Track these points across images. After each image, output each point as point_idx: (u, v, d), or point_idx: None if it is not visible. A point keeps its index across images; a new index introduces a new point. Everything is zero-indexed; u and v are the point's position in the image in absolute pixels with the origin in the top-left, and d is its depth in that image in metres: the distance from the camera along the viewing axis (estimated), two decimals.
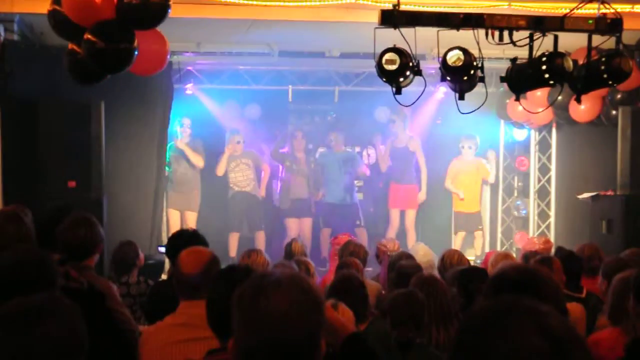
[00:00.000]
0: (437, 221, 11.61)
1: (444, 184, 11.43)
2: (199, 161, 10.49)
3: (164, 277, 7.70)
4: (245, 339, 1.99)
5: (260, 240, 10.73)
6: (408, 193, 11.31)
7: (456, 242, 11.24)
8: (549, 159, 11.60)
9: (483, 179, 11.38)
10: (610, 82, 6.06)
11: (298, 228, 11.02)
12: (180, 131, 10.45)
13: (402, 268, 5.75)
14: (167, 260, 7.61)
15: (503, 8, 7.11)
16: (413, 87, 6.01)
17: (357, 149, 11.86)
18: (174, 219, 10.39)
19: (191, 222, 10.32)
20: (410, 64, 5.61)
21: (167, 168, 10.20)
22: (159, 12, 5.95)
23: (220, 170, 10.72)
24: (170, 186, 10.45)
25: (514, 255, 6.92)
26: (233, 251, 10.61)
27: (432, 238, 10.57)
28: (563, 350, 1.41)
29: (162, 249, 8.24)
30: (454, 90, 6.05)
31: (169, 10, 5.96)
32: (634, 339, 3.21)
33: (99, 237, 4.43)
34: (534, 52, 5.81)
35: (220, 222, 10.75)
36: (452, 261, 6.29)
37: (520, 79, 6.07)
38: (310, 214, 11.18)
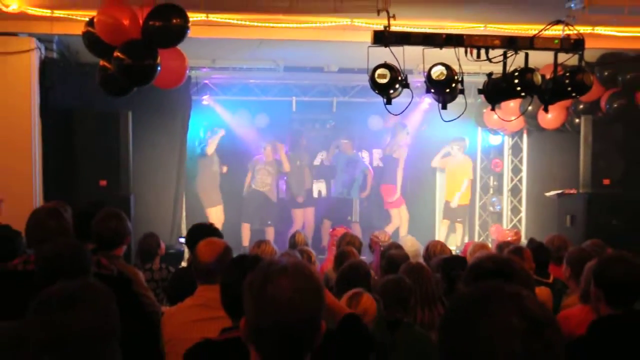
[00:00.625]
0: (423, 215, 11.61)
1: (427, 182, 11.48)
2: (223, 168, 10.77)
3: (183, 264, 7.69)
4: (255, 321, 1.99)
5: (270, 233, 10.80)
6: (393, 192, 11.37)
7: (441, 230, 11.26)
8: (520, 161, 11.60)
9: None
10: (573, 94, 6.05)
11: (304, 217, 11.15)
12: (209, 139, 10.56)
13: (392, 257, 5.75)
14: (186, 250, 7.65)
15: (480, 29, 7.12)
16: (402, 98, 6.01)
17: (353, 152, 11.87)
18: (214, 215, 10.50)
19: (220, 214, 10.52)
20: (399, 78, 5.60)
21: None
22: (179, 33, 5.95)
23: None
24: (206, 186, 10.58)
25: (489, 245, 6.89)
26: (246, 241, 10.65)
27: (418, 230, 10.59)
28: (539, 329, 1.42)
29: (182, 240, 8.25)
30: (438, 101, 6.04)
31: (188, 32, 5.97)
32: (594, 320, 3.21)
33: (127, 229, 4.43)
34: (508, 68, 5.81)
35: (235, 216, 10.89)
36: (435, 251, 6.29)
37: (496, 91, 6.06)
38: (313, 204, 11.29)
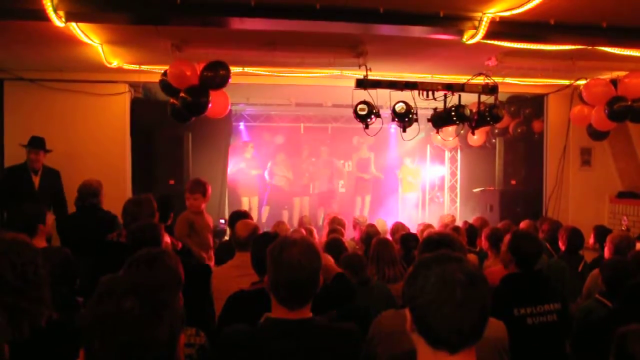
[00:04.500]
0: (389, 204, 11.58)
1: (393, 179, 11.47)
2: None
3: (226, 238, 7.68)
4: (274, 277, 2.00)
5: (285, 215, 10.72)
6: (367, 185, 11.27)
7: (401, 216, 11.18)
8: (456, 168, 11.58)
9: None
10: (491, 123, 6.04)
11: (301, 204, 10.97)
12: (247, 150, 10.46)
13: (368, 233, 5.76)
14: (227, 228, 7.64)
15: (428, 78, 7.12)
16: (375, 125, 6.01)
17: (342, 161, 11.84)
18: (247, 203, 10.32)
19: (255, 203, 10.33)
20: (374, 111, 5.59)
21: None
22: (224, 79, 5.96)
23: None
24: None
25: (434, 225, 6.87)
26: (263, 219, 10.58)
27: (385, 214, 10.58)
28: (474, 281, 1.44)
29: (223, 221, 8.24)
30: (400, 126, 6.04)
31: (230, 79, 5.97)
32: (505, 275, 3.22)
33: None
34: (447, 104, 5.81)
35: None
36: (398, 229, 6.30)
37: (439, 120, 6.06)
38: (308, 194, 11.12)
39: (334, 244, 4.57)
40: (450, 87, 5.53)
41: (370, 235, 5.57)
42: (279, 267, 1.97)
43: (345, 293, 2.81)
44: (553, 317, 3.04)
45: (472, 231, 5.70)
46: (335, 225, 6.40)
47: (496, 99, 5.85)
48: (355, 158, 11.41)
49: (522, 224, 6.08)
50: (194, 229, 4.84)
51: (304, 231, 5.74)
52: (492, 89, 5.52)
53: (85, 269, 3.12)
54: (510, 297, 3.02)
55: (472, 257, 4.81)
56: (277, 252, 1.99)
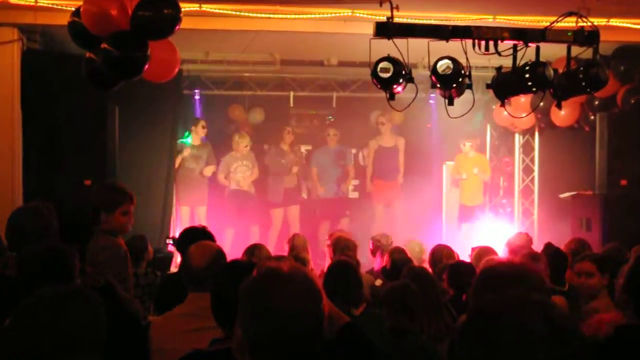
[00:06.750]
0: (429, 215, 11.55)
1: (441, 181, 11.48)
2: (208, 171, 10.50)
3: (173, 270, 7.68)
4: (252, 333, 1.99)
5: (255, 234, 10.61)
6: (391, 190, 11.31)
7: (460, 235, 11.14)
8: (532, 160, 11.59)
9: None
10: (588, 90, 6.06)
11: (283, 217, 10.91)
12: (193, 133, 10.42)
13: (395, 262, 5.76)
14: (176, 254, 7.64)
15: (488, 21, 7.12)
16: (406, 94, 6.02)
17: (354, 151, 11.86)
18: (184, 215, 10.33)
19: (202, 216, 10.32)
20: (403, 72, 5.61)
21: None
22: (170, 23, 5.94)
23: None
24: (186, 184, 10.36)
25: (497, 251, 6.88)
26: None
27: (423, 231, 10.58)
28: (564, 337, 1.46)
29: (172, 243, 8.25)
30: (444, 96, 6.05)
31: (180, 22, 5.97)
32: (619, 326, 3.22)
33: None
34: (518, 62, 5.82)
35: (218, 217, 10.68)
36: (442, 256, 6.30)
37: (505, 86, 6.07)
38: (296, 202, 11.09)
39: (341, 270, 4.59)
40: (523, 35, 5.53)
41: (397, 264, 5.57)
42: (260, 317, 1.96)
43: (359, 355, 2.82)
44: None
45: (558, 259, 5.70)
46: (343, 250, 6.41)
47: (596, 52, 5.86)
48: (374, 146, 11.44)
49: None
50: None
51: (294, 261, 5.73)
52: (590, 37, 5.52)
53: None
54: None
55: (559, 300, 4.81)
56: (255, 294, 1.99)
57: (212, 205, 10.61)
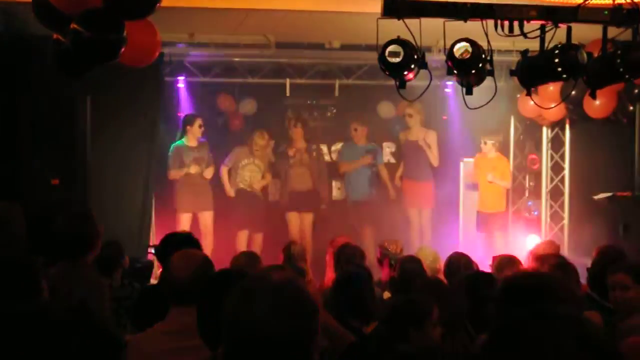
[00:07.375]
0: (449, 221, 11.54)
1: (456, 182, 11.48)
2: (208, 173, 10.60)
3: (153, 282, 7.68)
4: (229, 341, 2.00)
5: (259, 241, 10.74)
6: (424, 191, 11.29)
7: (479, 243, 11.11)
8: (562, 157, 11.58)
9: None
10: (626, 76, 6.04)
11: (298, 223, 10.97)
12: (189, 134, 10.47)
13: (405, 271, 5.76)
14: (156, 264, 7.63)
15: None
16: (418, 81, 6.01)
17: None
18: (185, 222, 10.36)
19: (209, 221, 10.46)
20: (415, 57, 5.61)
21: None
22: (150, 1, 5.94)
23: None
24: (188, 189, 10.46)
25: (522, 260, 6.88)
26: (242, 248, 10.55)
27: (438, 237, 10.59)
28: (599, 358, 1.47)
29: (152, 251, 8.25)
30: (461, 84, 6.05)
31: (161, 0, 5.96)
32: None
33: (96, 232, 4.51)
34: (546, 44, 5.81)
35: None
36: (459, 266, 6.30)
37: (532, 72, 6.07)
38: (311, 209, 11.09)
39: (351, 282, 4.61)
40: (553, 14, 5.53)
41: (408, 274, 5.57)
42: (237, 333, 1.96)
43: None
44: None
45: (594, 270, 5.70)
46: (349, 259, 6.42)
47: (637, 33, 5.85)
48: (402, 140, 11.43)
49: None
50: None
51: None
52: (629, 16, 5.52)
53: None
54: None
55: (594, 316, 4.80)
56: (235, 303, 1.99)
57: (219, 209, 10.76)
